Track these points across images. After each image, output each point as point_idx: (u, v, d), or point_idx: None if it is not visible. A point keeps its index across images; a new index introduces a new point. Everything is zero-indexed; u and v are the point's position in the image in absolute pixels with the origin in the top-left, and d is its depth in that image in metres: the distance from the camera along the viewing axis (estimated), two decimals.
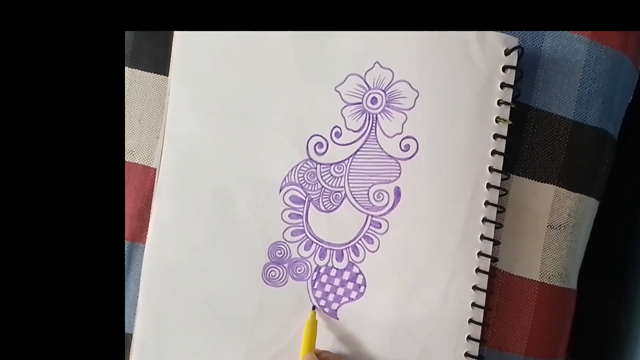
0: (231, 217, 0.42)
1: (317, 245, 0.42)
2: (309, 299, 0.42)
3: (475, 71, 0.42)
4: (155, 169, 0.43)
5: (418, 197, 0.42)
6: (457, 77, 0.42)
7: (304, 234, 0.42)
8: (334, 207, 0.42)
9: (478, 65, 0.42)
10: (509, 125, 0.42)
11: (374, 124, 0.42)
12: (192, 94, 0.42)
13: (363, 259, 0.42)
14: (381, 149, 0.42)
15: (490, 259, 0.42)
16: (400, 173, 0.42)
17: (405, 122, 0.42)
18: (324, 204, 0.42)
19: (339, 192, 0.42)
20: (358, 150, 0.42)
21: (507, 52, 0.42)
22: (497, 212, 0.42)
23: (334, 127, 0.42)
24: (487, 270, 0.42)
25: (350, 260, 0.42)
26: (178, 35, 0.42)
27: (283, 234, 0.42)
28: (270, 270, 0.42)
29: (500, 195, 0.42)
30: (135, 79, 0.43)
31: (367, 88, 0.42)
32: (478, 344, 0.42)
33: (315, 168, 0.42)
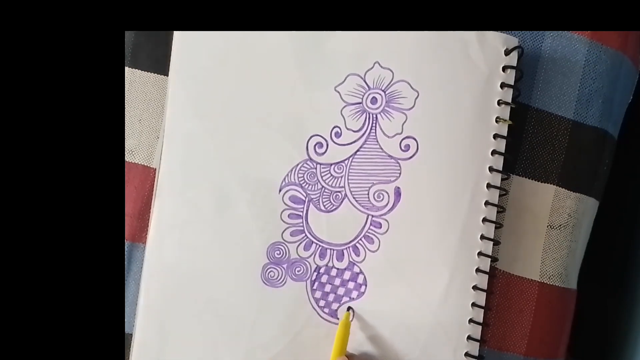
0: (230, 217, 0.42)
1: (317, 246, 0.42)
2: (308, 300, 0.42)
3: (475, 71, 0.42)
4: (155, 169, 0.43)
5: (418, 197, 0.42)
6: (457, 77, 0.42)
7: (303, 234, 0.42)
8: (334, 207, 0.42)
9: (478, 65, 0.42)
10: (509, 125, 0.42)
11: (373, 124, 0.42)
12: (191, 94, 0.42)
13: (364, 259, 0.42)
14: (381, 149, 0.42)
15: (490, 259, 0.42)
16: (400, 173, 0.42)
17: (405, 122, 0.42)
18: (324, 204, 0.42)
19: (339, 192, 0.42)
20: (358, 150, 0.42)
21: (507, 52, 0.42)
22: (497, 212, 0.42)
23: (334, 127, 0.42)
24: (487, 270, 0.42)
25: (351, 260, 0.42)
26: (177, 35, 0.42)
27: (282, 234, 0.42)
28: (269, 270, 0.42)
29: (500, 195, 0.42)
30: (135, 79, 0.43)
31: (367, 88, 0.42)
32: (478, 344, 0.42)
33: (315, 168, 0.42)
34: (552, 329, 0.45)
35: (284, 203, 0.42)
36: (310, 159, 0.42)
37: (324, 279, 0.42)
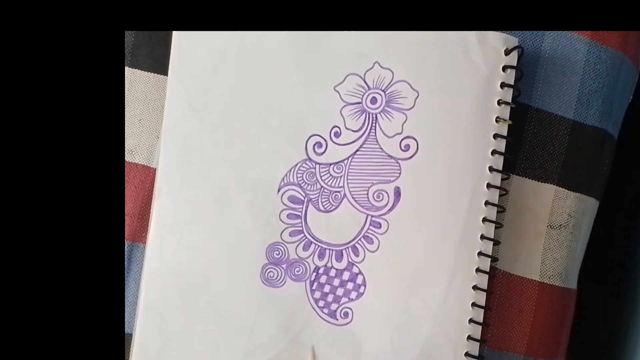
0: (230, 217, 0.42)
1: (316, 246, 0.42)
2: (307, 300, 0.42)
3: (475, 71, 0.42)
4: (155, 169, 0.43)
5: (418, 197, 0.42)
6: (457, 77, 0.42)
7: (302, 235, 0.42)
8: (333, 207, 0.42)
9: (478, 65, 0.42)
10: (509, 125, 0.42)
11: (373, 124, 0.42)
12: (190, 94, 0.42)
13: (363, 259, 0.42)
14: (381, 148, 0.42)
15: (490, 259, 0.42)
16: (400, 173, 0.42)
17: (405, 122, 0.42)
18: (323, 204, 0.42)
19: (338, 192, 0.42)
20: (357, 150, 0.42)
21: (507, 52, 0.42)
22: (497, 212, 0.42)
23: (333, 126, 0.42)
24: (487, 270, 0.42)
25: (350, 260, 0.42)
26: (176, 35, 0.42)
27: (281, 234, 0.42)
28: (268, 271, 0.42)
29: (500, 195, 0.42)
30: (135, 79, 0.43)
31: (367, 88, 0.42)
32: (478, 343, 0.42)
33: (314, 168, 0.42)
34: (552, 329, 0.45)
35: (283, 203, 0.42)
36: (310, 159, 0.42)
37: (323, 279, 0.42)
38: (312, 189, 0.42)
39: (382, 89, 0.42)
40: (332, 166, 0.42)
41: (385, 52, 0.41)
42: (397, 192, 0.42)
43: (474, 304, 0.42)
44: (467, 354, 0.42)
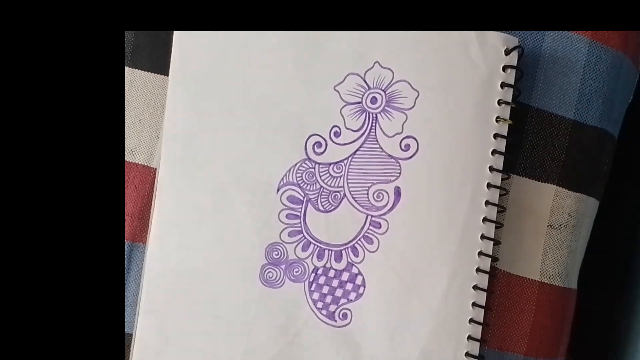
0: (229, 217, 0.42)
1: (315, 246, 0.42)
2: (306, 301, 0.42)
3: (476, 71, 0.42)
4: (156, 169, 0.43)
5: (418, 197, 0.42)
6: (457, 77, 0.42)
7: (301, 235, 0.42)
8: (333, 207, 0.42)
9: (478, 64, 0.41)
10: (509, 125, 0.42)
11: (373, 124, 0.42)
12: (190, 94, 0.42)
13: (362, 260, 0.42)
14: (381, 148, 0.42)
15: (490, 259, 0.42)
16: (400, 173, 0.42)
17: (405, 121, 0.42)
18: (323, 204, 0.42)
19: (338, 192, 0.42)
20: (357, 150, 0.42)
21: (507, 52, 0.41)
22: (498, 211, 0.42)
23: (333, 126, 0.42)
24: (488, 270, 0.42)
25: (350, 260, 0.42)
26: (177, 35, 0.42)
27: (280, 234, 0.42)
28: (267, 271, 0.42)
29: (500, 195, 0.42)
30: (135, 79, 0.43)
31: (367, 87, 0.42)
32: (478, 343, 0.42)
33: (314, 168, 0.42)
34: (552, 329, 0.45)
35: (282, 203, 0.42)
36: (309, 159, 0.42)
37: (322, 280, 0.42)
38: (311, 188, 0.42)
39: (382, 88, 0.42)
40: (331, 166, 0.42)
41: (385, 51, 0.41)
42: (397, 192, 0.42)
43: (474, 304, 0.42)
44: (467, 354, 0.42)
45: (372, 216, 0.42)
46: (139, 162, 0.43)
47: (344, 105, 0.42)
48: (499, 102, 0.42)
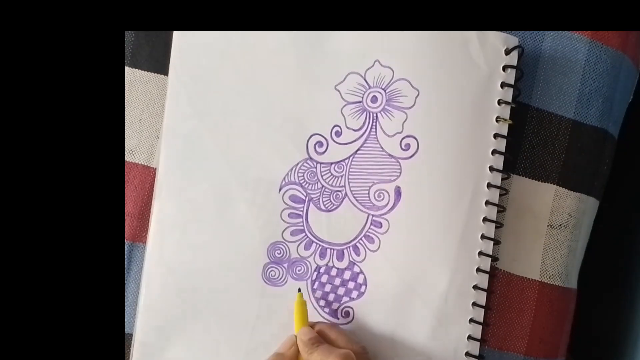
0: (231, 216, 0.42)
1: (317, 245, 0.42)
2: (308, 299, 0.42)
3: (476, 70, 0.42)
4: (155, 169, 0.43)
5: (418, 197, 0.42)
6: (457, 76, 0.42)
7: (303, 234, 0.42)
8: (334, 206, 0.42)
9: (478, 64, 0.42)
10: (509, 125, 0.42)
11: (374, 123, 0.42)
12: (191, 94, 0.42)
13: (364, 259, 0.42)
14: (381, 148, 0.42)
15: (490, 259, 0.42)
16: (400, 172, 0.42)
17: (405, 120, 0.42)
18: (324, 203, 0.42)
19: (339, 191, 0.42)
20: (358, 150, 0.42)
21: (508, 52, 0.42)
22: (498, 211, 0.42)
23: (334, 126, 0.42)
24: (488, 269, 0.42)
25: (351, 259, 0.42)
26: (177, 35, 0.42)
27: (282, 233, 0.42)
28: (270, 270, 0.42)
29: (500, 195, 0.42)
30: (135, 79, 0.43)
31: (367, 87, 0.42)
32: (478, 343, 0.42)
33: (315, 167, 0.42)
34: (552, 329, 0.45)
35: (284, 202, 0.42)
36: (311, 158, 0.42)
37: (324, 278, 0.42)
38: (313, 188, 0.42)
39: (383, 87, 0.42)
40: (333, 165, 0.42)
41: (385, 50, 0.41)
42: (398, 192, 0.42)
43: (474, 304, 0.42)
44: (467, 354, 0.42)
45: (373, 215, 0.42)
46: (139, 162, 0.43)
47: (345, 105, 0.42)
48: (499, 102, 0.42)
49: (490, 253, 0.42)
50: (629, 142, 0.48)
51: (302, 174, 0.42)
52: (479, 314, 0.42)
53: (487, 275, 0.42)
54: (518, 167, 0.44)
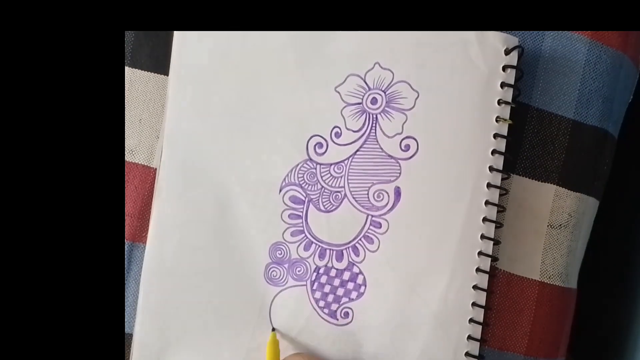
0: (231, 217, 0.42)
1: (317, 246, 0.42)
2: (308, 300, 0.42)
3: (476, 71, 0.42)
4: (156, 169, 0.43)
5: (418, 197, 0.42)
6: (457, 77, 0.42)
7: (303, 235, 0.42)
8: (334, 207, 0.42)
9: (478, 64, 0.41)
10: (509, 125, 0.42)
11: (374, 124, 0.42)
12: (191, 94, 0.42)
13: (363, 259, 0.42)
14: (381, 149, 0.42)
15: (490, 259, 0.42)
16: (400, 173, 0.42)
17: (405, 122, 0.42)
18: (324, 204, 0.42)
19: (339, 192, 0.42)
20: (358, 151, 0.42)
21: (507, 52, 0.41)
22: (498, 211, 0.42)
23: (334, 127, 0.42)
24: (488, 269, 0.42)
25: (351, 260, 0.42)
26: (177, 35, 0.42)
27: (283, 234, 0.42)
28: (271, 270, 0.42)
29: (500, 195, 0.42)
30: (135, 79, 0.43)
31: (367, 88, 0.42)
32: (478, 343, 0.42)
33: (315, 168, 0.42)
34: (552, 329, 0.45)
35: (284, 203, 0.42)
36: (310, 159, 0.42)
37: (324, 279, 0.42)
38: (312, 189, 0.42)
39: (383, 89, 0.42)
40: (332, 166, 0.42)
41: (385, 52, 0.41)
42: (397, 192, 0.42)
43: (474, 304, 0.42)
44: (467, 354, 0.42)
45: (372, 216, 0.42)
46: (139, 162, 0.43)
47: (345, 106, 0.42)
48: (499, 102, 0.42)
49: (490, 253, 0.42)
50: (629, 142, 0.48)
51: (302, 175, 0.42)
52: (479, 314, 0.42)
53: (487, 276, 0.42)
54: (518, 167, 0.44)
